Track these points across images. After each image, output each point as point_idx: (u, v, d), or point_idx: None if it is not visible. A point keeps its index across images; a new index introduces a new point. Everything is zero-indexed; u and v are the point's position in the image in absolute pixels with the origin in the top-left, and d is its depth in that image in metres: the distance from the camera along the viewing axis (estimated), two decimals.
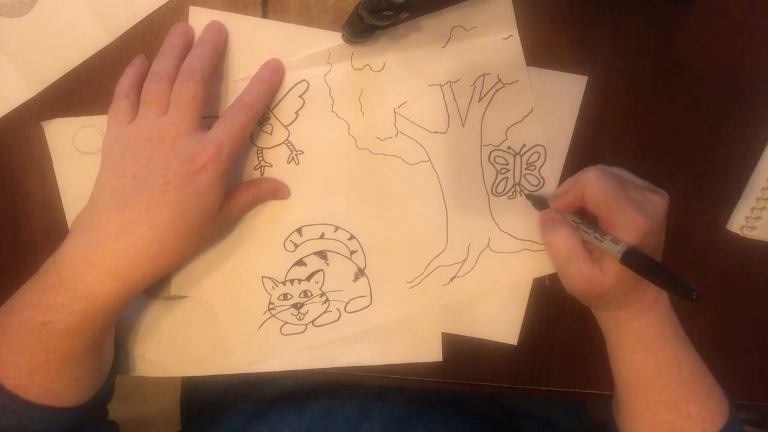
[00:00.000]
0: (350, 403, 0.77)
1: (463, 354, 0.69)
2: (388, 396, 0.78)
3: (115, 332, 0.65)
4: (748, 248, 0.68)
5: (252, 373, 0.68)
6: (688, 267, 0.69)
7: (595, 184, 0.55)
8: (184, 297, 0.66)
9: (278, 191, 0.63)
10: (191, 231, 0.55)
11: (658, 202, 0.56)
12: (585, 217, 0.60)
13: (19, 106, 0.62)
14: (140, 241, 0.53)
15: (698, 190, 0.67)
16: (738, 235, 0.67)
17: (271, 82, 0.60)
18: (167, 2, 0.61)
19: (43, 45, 0.61)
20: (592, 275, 0.57)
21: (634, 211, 0.54)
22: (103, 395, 0.61)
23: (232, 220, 0.62)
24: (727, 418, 0.60)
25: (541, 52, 0.63)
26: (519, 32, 0.62)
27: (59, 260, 0.54)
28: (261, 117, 0.62)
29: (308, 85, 0.62)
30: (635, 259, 0.53)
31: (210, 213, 0.56)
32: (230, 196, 0.60)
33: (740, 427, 0.62)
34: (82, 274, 0.52)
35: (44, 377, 0.54)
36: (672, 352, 0.61)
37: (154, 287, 0.65)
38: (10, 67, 0.61)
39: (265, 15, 0.61)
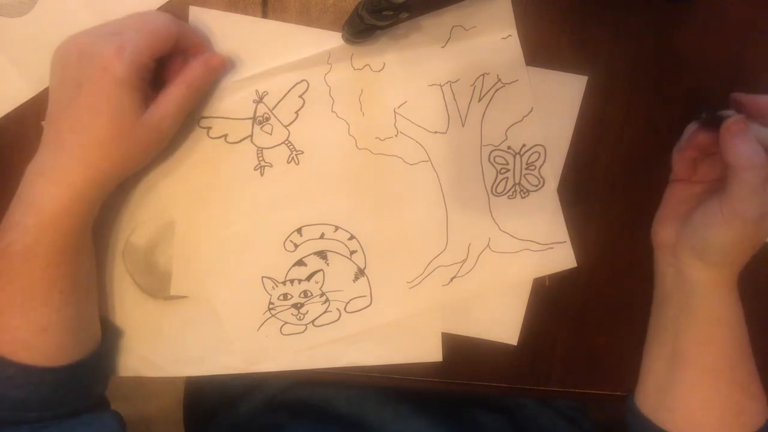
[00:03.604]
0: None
1: (463, 354, 0.69)
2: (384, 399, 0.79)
3: (114, 332, 0.66)
4: None
5: (253, 374, 0.68)
6: None
7: None
8: (184, 297, 0.66)
9: (208, 64, 0.59)
10: (112, 134, 0.54)
11: None
12: None
13: (19, 106, 0.62)
14: (70, 146, 0.54)
15: None
16: None
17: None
18: (167, 2, 0.61)
19: (43, 45, 0.60)
20: None
21: None
22: (88, 368, 0.60)
23: (173, 119, 0.58)
24: None
25: (541, 52, 0.63)
26: (519, 32, 0.62)
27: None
28: (261, 117, 0.62)
29: (308, 85, 0.62)
30: None
31: (127, 115, 0.54)
32: (161, 97, 0.57)
33: None
34: (33, 185, 0.54)
35: (10, 320, 0.55)
36: (744, 326, 0.61)
37: (154, 287, 0.65)
38: (10, 67, 0.61)
39: (265, 15, 0.61)
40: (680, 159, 0.61)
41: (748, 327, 0.64)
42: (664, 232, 0.62)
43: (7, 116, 0.62)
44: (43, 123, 0.57)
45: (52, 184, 0.54)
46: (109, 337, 0.64)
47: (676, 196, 0.63)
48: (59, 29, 0.59)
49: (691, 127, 0.60)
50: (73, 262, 0.57)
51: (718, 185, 0.57)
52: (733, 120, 0.54)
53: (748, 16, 0.63)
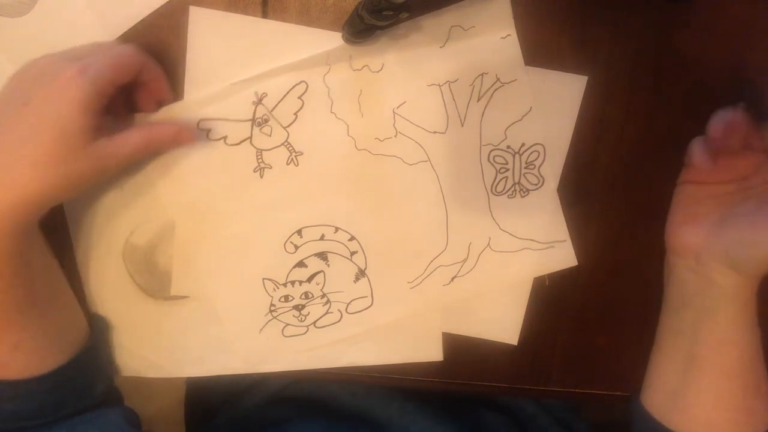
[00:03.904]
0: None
1: (464, 354, 0.69)
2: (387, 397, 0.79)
3: (108, 329, 0.66)
4: None
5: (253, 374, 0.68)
6: None
7: None
8: (184, 297, 0.66)
9: (179, 134, 0.60)
10: (52, 156, 0.51)
11: None
12: None
13: None
14: None
15: None
16: None
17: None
18: (167, 2, 0.61)
19: (43, 45, 0.60)
20: None
21: None
22: (76, 369, 0.59)
23: (121, 160, 0.57)
24: None
25: (542, 52, 0.63)
26: (519, 32, 0.62)
27: None
28: (261, 119, 0.62)
29: (307, 86, 0.62)
30: None
31: (72, 140, 0.52)
32: (118, 134, 0.56)
33: None
34: None
35: None
36: (758, 328, 0.61)
37: (154, 287, 0.65)
38: (10, 67, 0.61)
39: (265, 15, 0.61)
40: (705, 146, 0.60)
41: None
42: (685, 236, 0.62)
43: None
44: None
45: None
46: (99, 335, 0.64)
47: (689, 198, 0.63)
48: (59, 29, 0.60)
49: (722, 115, 0.58)
50: (23, 282, 0.55)
51: (743, 187, 0.58)
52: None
53: (748, 16, 0.62)
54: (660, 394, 0.65)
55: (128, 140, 0.56)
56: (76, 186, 0.54)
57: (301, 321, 0.67)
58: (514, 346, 0.69)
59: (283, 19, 0.61)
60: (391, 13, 0.55)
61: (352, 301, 0.67)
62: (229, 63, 0.61)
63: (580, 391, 0.70)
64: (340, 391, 0.80)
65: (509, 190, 0.66)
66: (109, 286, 0.66)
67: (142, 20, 0.61)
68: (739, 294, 0.60)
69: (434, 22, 0.62)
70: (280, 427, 0.75)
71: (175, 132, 0.59)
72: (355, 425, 0.76)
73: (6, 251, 0.52)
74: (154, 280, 0.65)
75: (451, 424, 0.75)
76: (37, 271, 0.57)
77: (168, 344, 0.67)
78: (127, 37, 0.61)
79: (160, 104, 0.61)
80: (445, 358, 0.69)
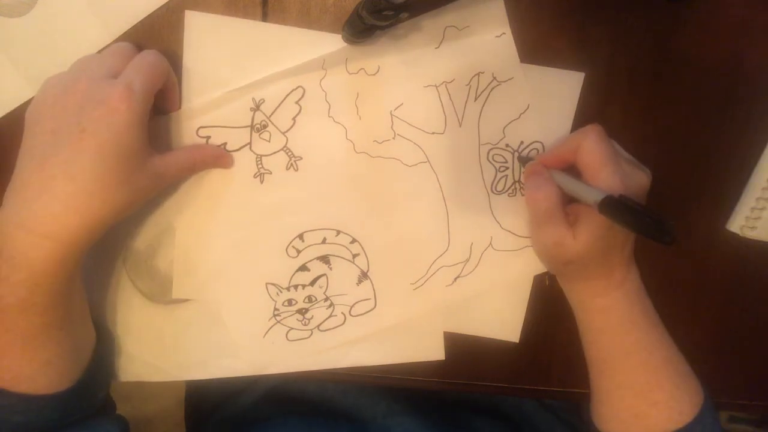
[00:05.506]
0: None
1: (465, 352, 0.69)
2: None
3: (113, 337, 0.66)
4: (748, 248, 0.68)
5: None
6: (688, 267, 0.69)
7: (596, 138, 0.58)
8: (185, 301, 0.66)
9: (221, 158, 0.62)
10: (117, 179, 0.53)
11: (642, 178, 0.59)
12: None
13: (19, 106, 0.61)
14: (63, 194, 0.50)
15: (698, 190, 0.67)
16: (738, 235, 0.68)
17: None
18: (167, 2, 0.60)
19: (43, 45, 0.60)
20: (564, 238, 0.58)
21: (619, 174, 0.56)
22: (88, 382, 0.59)
23: (169, 178, 0.59)
24: (699, 409, 0.61)
25: (541, 50, 0.63)
26: (518, 30, 0.62)
27: None
28: (259, 125, 0.62)
29: (304, 91, 0.62)
30: (615, 204, 0.53)
31: (134, 158, 0.54)
32: (169, 154, 0.59)
33: (714, 419, 0.62)
34: (14, 239, 0.50)
35: (11, 361, 0.53)
36: (641, 335, 0.61)
37: (155, 292, 0.65)
38: (10, 67, 0.61)
39: (265, 16, 0.61)
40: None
41: (748, 325, 0.65)
42: None
43: (7, 116, 0.62)
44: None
45: (40, 237, 0.50)
46: (104, 342, 0.64)
47: None
48: (59, 29, 0.60)
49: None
50: (70, 300, 0.56)
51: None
52: (528, 165, 0.63)
53: (748, 16, 0.63)
54: (592, 400, 0.67)
55: (178, 159, 0.59)
56: (138, 203, 0.57)
57: (305, 325, 0.67)
58: (515, 344, 0.69)
59: (284, 20, 0.61)
60: (391, 13, 0.54)
61: (355, 303, 0.67)
62: (225, 67, 0.61)
63: (580, 391, 0.70)
64: (333, 390, 0.81)
65: (509, 188, 0.66)
66: (110, 291, 0.65)
67: (142, 20, 0.61)
68: (573, 293, 0.64)
69: (429, 23, 0.61)
70: (263, 425, 0.76)
71: (218, 155, 0.62)
72: (337, 423, 0.77)
73: (71, 271, 0.54)
74: (155, 284, 0.65)
75: (438, 426, 0.76)
76: (78, 286, 0.57)
77: (170, 348, 0.67)
78: (127, 37, 0.61)
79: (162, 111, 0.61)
80: (446, 356, 0.69)
